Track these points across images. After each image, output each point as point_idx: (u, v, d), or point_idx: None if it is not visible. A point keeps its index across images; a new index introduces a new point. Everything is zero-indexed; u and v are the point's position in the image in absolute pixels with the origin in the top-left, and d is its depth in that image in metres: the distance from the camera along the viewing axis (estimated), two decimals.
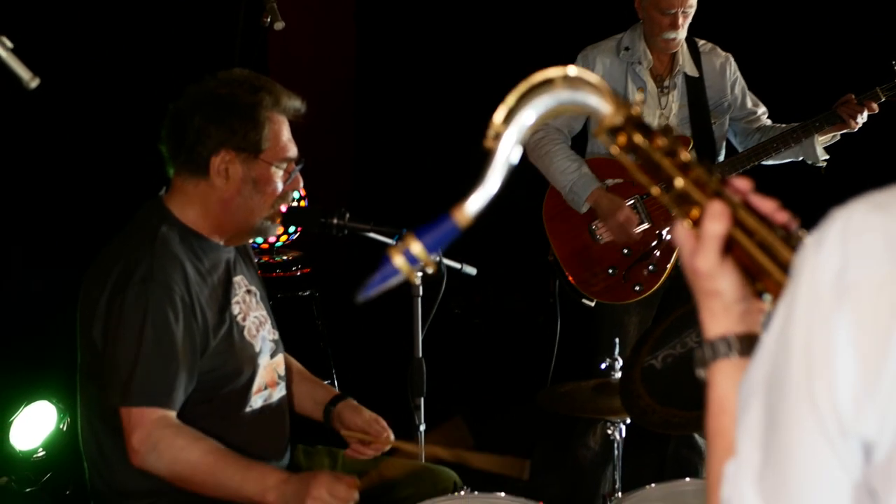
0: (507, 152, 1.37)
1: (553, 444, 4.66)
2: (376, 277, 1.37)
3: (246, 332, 2.98)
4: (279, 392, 3.11)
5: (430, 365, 3.42)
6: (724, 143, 4.59)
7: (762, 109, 4.62)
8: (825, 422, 1.09)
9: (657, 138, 1.39)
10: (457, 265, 3.47)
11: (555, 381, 4.44)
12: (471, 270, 3.56)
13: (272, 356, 3.09)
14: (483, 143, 1.37)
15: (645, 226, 4.41)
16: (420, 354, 3.38)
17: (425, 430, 3.41)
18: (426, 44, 7.49)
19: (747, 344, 1.37)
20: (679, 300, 4.48)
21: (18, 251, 5.26)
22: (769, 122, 4.60)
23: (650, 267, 4.40)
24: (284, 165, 2.96)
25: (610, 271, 4.45)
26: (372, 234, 3.21)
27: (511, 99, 1.38)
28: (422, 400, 3.40)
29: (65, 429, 4.73)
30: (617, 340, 3.52)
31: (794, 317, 1.12)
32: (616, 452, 3.45)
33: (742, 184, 1.39)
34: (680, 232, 1.40)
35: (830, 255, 1.10)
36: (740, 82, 4.61)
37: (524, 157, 4.52)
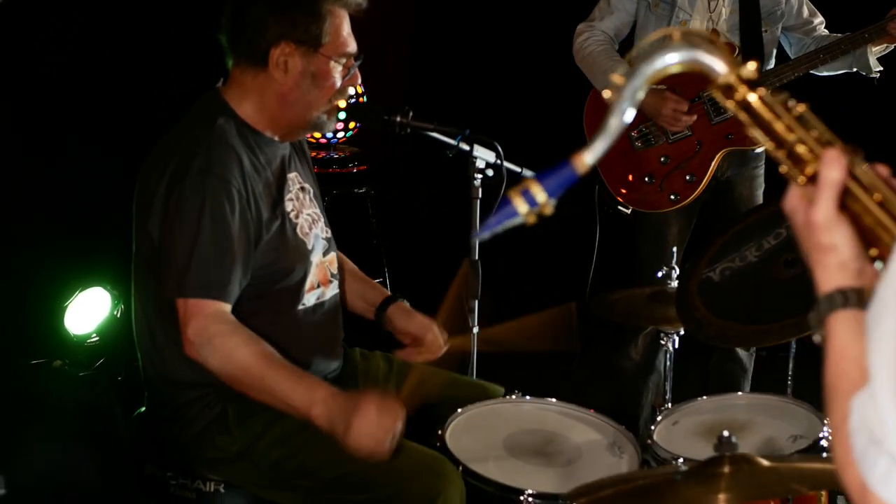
0: (625, 105, 1.41)
1: (599, 351, 4.66)
2: (495, 218, 1.42)
3: (298, 230, 2.97)
4: (332, 290, 3.11)
5: (484, 267, 3.41)
6: (775, 52, 4.47)
7: (819, 19, 4.49)
8: None
9: (772, 94, 1.41)
10: (517, 168, 3.44)
11: (596, 288, 4.43)
12: (529, 174, 3.53)
13: (325, 254, 3.08)
14: (602, 96, 1.48)
15: (686, 133, 4.34)
16: (476, 257, 3.37)
17: (478, 332, 3.42)
18: None
19: (862, 298, 1.36)
20: (726, 214, 4.44)
21: (75, 137, 5.28)
22: (826, 32, 4.47)
23: (687, 177, 4.34)
24: (344, 60, 2.92)
25: (646, 179, 4.40)
26: (434, 134, 3.18)
27: (632, 53, 1.48)
28: (476, 302, 3.40)
29: (118, 315, 4.78)
30: (675, 250, 3.49)
31: None
32: (668, 363, 3.45)
33: (881, 169, 1.40)
34: (793, 194, 1.41)
35: None
36: None
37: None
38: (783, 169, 1.43)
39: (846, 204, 1.36)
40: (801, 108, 1.41)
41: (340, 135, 5.81)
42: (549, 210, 1.40)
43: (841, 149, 1.36)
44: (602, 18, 4.44)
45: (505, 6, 7.15)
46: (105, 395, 4.46)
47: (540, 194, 1.39)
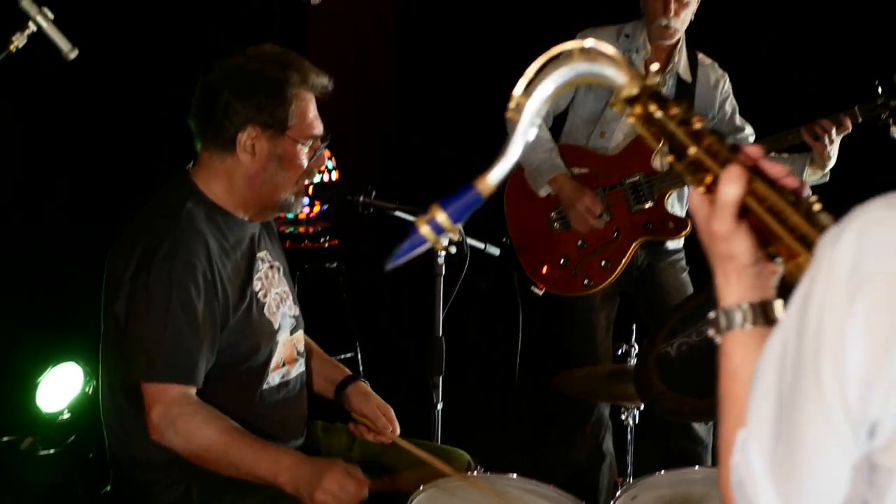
0: (527, 123, 1.43)
1: (564, 426, 4.70)
2: (404, 246, 1.45)
3: (266, 309, 3.02)
4: (298, 368, 3.15)
5: (453, 340, 3.46)
6: None
7: (749, 130, 4.57)
8: (832, 404, 1.16)
9: (672, 108, 1.44)
10: (480, 245, 3.51)
11: (526, 369, 4.48)
12: (494, 250, 3.60)
13: (292, 332, 3.13)
14: (506, 115, 1.43)
15: (605, 218, 4.39)
16: (440, 333, 3.42)
17: (442, 409, 3.46)
18: (467, 22, 7.50)
19: (760, 312, 1.42)
20: (655, 301, 4.48)
21: (47, 211, 5.32)
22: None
23: (603, 262, 4.39)
24: (310, 142, 2.99)
25: (561, 262, 4.44)
26: (398, 213, 3.24)
27: (530, 71, 1.43)
28: (440, 378, 3.45)
29: (90, 392, 4.79)
30: (634, 326, 3.55)
31: (811, 303, 1.18)
32: (629, 437, 3.49)
33: (753, 150, 1.44)
34: (695, 198, 1.45)
35: (847, 248, 1.17)
36: (731, 101, 4.57)
37: None
38: (686, 179, 1.47)
39: (744, 211, 1.41)
40: (699, 123, 1.44)
41: (315, 209, 5.88)
42: (455, 235, 1.44)
43: (740, 164, 1.40)
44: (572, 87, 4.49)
45: (488, 78, 7.25)
46: (70, 475, 4.46)
47: (445, 221, 1.42)
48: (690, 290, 4.51)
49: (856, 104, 4.22)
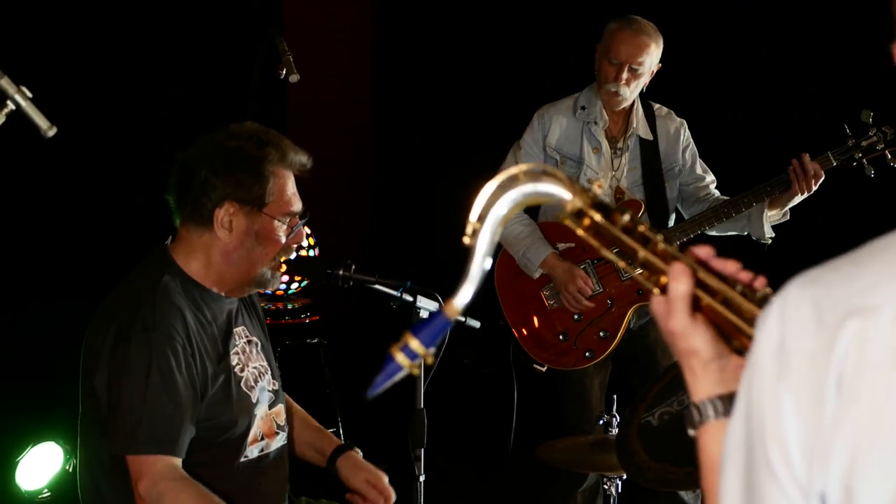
0: (485, 246, 1.48)
1: (553, 495, 4.68)
2: (382, 375, 1.49)
3: (243, 383, 3.02)
4: (278, 442, 3.15)
5: (436, 414, 3.45)
6: (677, 207, 4.62)
7: (710, 178, 4.62)
8: (784, 484, 1.17)
9: (617, 216, 1.49)
10: (461, 318, 3.51)
11: (519, 443, 4.48)
12: (474, 324, 3.60)
13: (271, 406, 3.13)
14: (462, 241, 1.48)
15: (598, 290, 4.43)
16: (421, 406, 3.41)
17: (425, 482, 3.44)
18: (442, 91, 7.58)
19: (730, 404, 1.43)
20: (643, 361, 4.51)
21: (26, 292, 5.32)
22: (716, 192, 4.59)
23: (601, 333, 4.42)
24: (287, 219, 3.01)
25: (561, 337, 4.47)
26: (377, 286, 3.25)
27: (482, 197, 1.49)
28: (422, 451, 3.43)
29: (71, 470, 4.76)
30: (615, 396, 3.56)
31: (752, 388, 1.20)
32: None
33: (702, 250, 1.47)
34: (654, 301, 1.48)
35: (772, 328, 1.20)
36: (692, 148, 4.63)
37: None
38: (645, 284, 1.50)
39: (700, 307, 1.44)
40: (644, 228, 1.48)
41: (294, 286, 5.90)
42: (430, 360, 1.48)
43: (685, 262, 1.43)
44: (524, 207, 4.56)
45: (463, 151, 7.33)
46: None
47: (418, 346, 1.47)
48: None
49: (827, 150, 4.27)
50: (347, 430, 5.49)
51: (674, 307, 1.43)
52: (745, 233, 4.45)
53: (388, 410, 6.19)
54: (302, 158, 3.03)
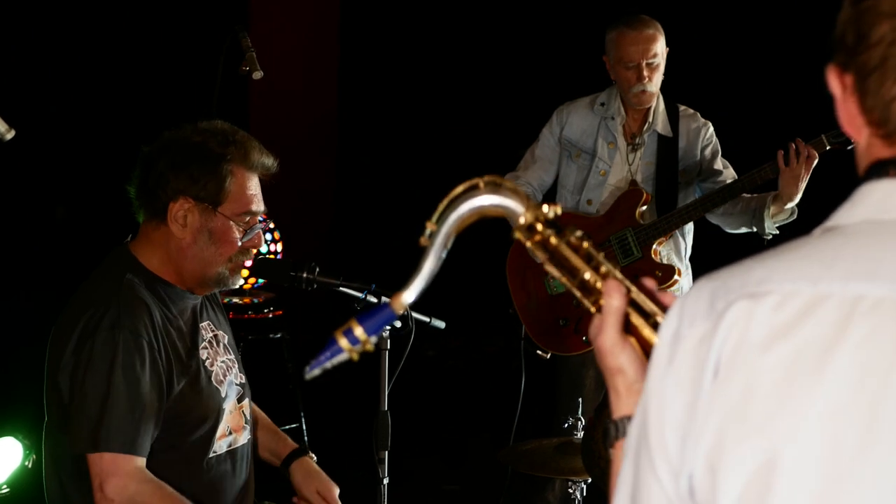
0: (439, 248, 1.53)
1: (518, 498, 4.69)
2: (322, 356, 1.53)
3: (213, 377, 3.01)
4: (245, 436, 3.13)
5: (402, 410, 3.43)
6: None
7: (730, 172, 4.67)
8: (658, 467, 1.23)
9: (568, 234, 1.52)
10: (426, 318, 3.49)
11: (521, 433, 4.49)
12: (439, 324, 3.59)
13: (239, 400, 3.11)
14: (419, 241, 1.54)
15: None
16: (385, 407, 3.40)
17: (388, 483, 3.43)
18: (409, 84, 7.57)
19: None
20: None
21: None
22: None
23: None
24: (246, 219, 2.98)
25: (561, 322, 4.52)
26: (341, 289, 3.23)
27: (442, 203, 1.54)
28: (386, 453, 3.41)
29: (30, 466, 4.71)
30: (580, 399, 3.56)
31: (647, 380, 1.27)
32: None
33: (648, 282, 1.51)
34: (594, 320, 1.50)
35: (670, 321, 1.26)
36: (714, 147, 4.69)
37: None
38: (582, 302, 1.53)
39: (630, 327, 1.46)
40: (589, 247, 1.51)
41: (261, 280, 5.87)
42: (370, 347, 1.52)
43: (619, 279, 1.46)
44: (527, 169, 4.69)
45: (429, 146, 7.32)
46: None
47: (361, 333, 1.50)
48: None
49: (821, 133, 4.31)
50: (310, 426, 5.47)
51: (605, 322, 1.45)
52: (754, 229, 4.52)
53: (350, 406, 6.21)
54: (267, 161, 3.00)
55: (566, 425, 3.50)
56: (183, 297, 3.02)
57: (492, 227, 1.63)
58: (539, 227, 1.52)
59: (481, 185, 1.54)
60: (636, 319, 1.45)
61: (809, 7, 5.99)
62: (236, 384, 3.11)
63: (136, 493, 2.75)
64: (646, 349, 1.45)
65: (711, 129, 4.71)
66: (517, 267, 4.67)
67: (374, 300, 3.31)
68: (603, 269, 1.49)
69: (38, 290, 5.11)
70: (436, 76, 7.45)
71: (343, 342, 1.51)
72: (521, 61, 7.06)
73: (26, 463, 4.68)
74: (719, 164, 4.68)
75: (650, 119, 4.59)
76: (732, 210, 4.49)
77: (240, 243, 2.98)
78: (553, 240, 1.52)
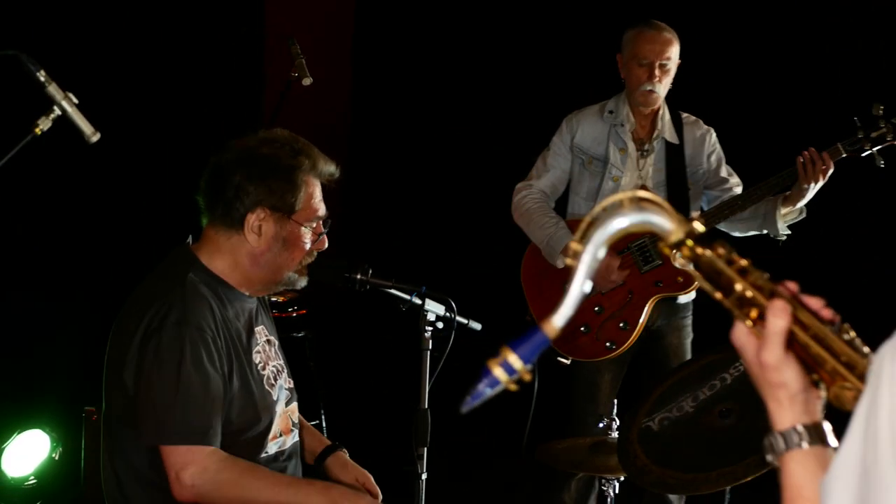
0: (585, 268, 1.54)
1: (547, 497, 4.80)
2: (479, 388, 1.52)
3: (265, 381, 3.11)
4: (293, 439, 3.24)
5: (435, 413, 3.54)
6: (700, 208, 4.76)
7: (735, 180, 4.77)
8: None
9: (717, 248, 1.56)
10: (463, 320, 3.61)
11: (535, 436, 4.60)
12: (476, 326, 3.70)
13: (287, 404, 3.22)
14: (566, 262, 1.58)
15: (618, 282, 4.56)
16: (426, 406, 3.51)
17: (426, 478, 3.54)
18: (422, 84, 7.65)
19: (815, 433, 1.53)
20: (657, 363, 4.66)
21: (14, 279, 5.35)
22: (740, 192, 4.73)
23: (621, 324, 4.55)
24: (314, 225, 3.10)
25: (582, 329, 4.60)
26: (392, 291, 3.34)
27: (586, 220, 1.56)
28: (425, 450, 3.53)
29: (57, 458, 4.81)
30: (612, 399, 3.67)
31: (880, 415, 1.29)
32: None
33: (791, 285, 1.55)
34: (740, 332, 1.56)
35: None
36: (717, 154, 4.79)
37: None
38: (734, 314, 1.56)
39: (791, 341, 1.52)
40: (744, 261, 1.55)
41: None
42: (528, 377, 1.52)
43: (785, 298, 1.51)
44: (539, 177, 4.75)
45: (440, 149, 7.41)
46: None
47: (517, 362, 1.51)
48: (689, 351, 4.72)
49: (837, 141, 4.41)
50: (331, 424, 5.56)
51: (770, 341, 1.51)
52: (764, 231, 4.60)
53: (372, 406, 6.33)
54: (331, 168, 3.13)
55: (601, 425, 3.62)
56: (242, 299, 3.13)
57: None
58: (689, 242, 1.56)
59: (626, 202, 1.56)
60: (798, 331, 1.51)
61: (820, 17, 6.18)
62: (286, 388, 3.23)
63: (216, 472, 2.87)
64: (801, 355, 1.51)
65: (714, 135, 4.81)
66: (533, 275, 4.75)
67: (419, 301, 3.43)
68: (761, 283, 1.54)
69: (58, 281, 5.18)
70: (448, 78, 7.54)
71: (498, 372, 1.51)
72: (532, 63, 7.16)
73: (53, 455, 4.79)
74: (724, 171, 4.78)
75: (659, 126, 4.69)
76: (742, 215, 4.58)
77: (308, 246, 3.10)
78: (707, 254, 1.56)
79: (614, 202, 1.55)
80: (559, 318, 1.55)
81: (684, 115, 4.80)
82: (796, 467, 1.52)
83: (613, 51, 4.75)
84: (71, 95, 2.60)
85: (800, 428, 1.53)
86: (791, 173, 4.42)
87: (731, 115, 5.89)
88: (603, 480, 3.60)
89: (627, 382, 4.74)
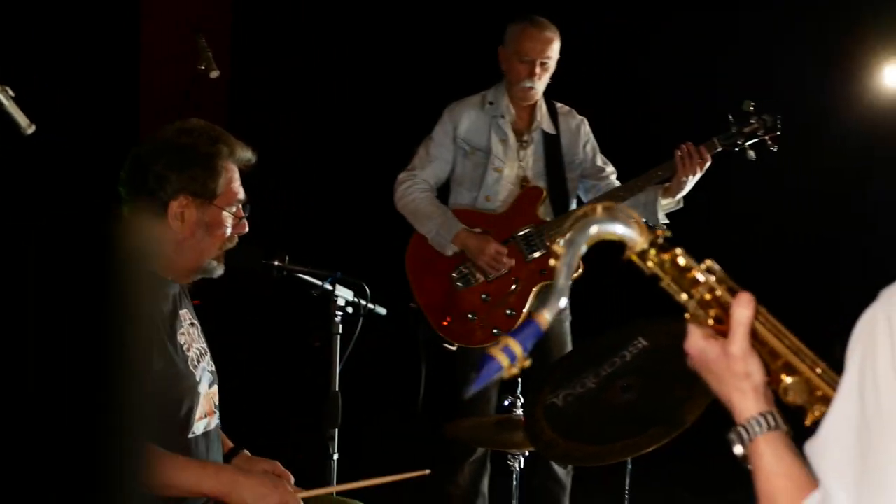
0: (567, 268, 1.70)
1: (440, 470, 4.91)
2: (482, 374, 1.65)
3: (189, 362, 3.18)
4: (215, 421, 3.32)
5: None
6: (576, 197, 4.93)
7: (610, 169, 4.95)
8: None
9: (679, 254, 1.73)
10: (371, 305, 3.73)
11: (426, 413, 4.72)
12: (382, 311, 3.83)
13: (210, 386, 3.30)
14: (549, 264, 1.74)
15: (504, 270, 4.71)
16: (337, 388, 3.62)
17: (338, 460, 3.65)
18: (298, 81, 7.69)
19: (778, 418, 1.68)
20: (538, 347, 4.81)
21: None
22: (617, 182, 4.91)
23: (508, 311, 4.69)
24: (234, 209, 3.19)
25: (470, 316, 4.73)
26: (307, 277, 3.44)
27: (566, 225, 1.73)
28: (336, 431, 3.64)
29: None
30: (519, 380, 3.82)
31: (878, 366, 1.43)
32: (514, 483, 3.76)
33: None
34: (696, 338, 1.73)
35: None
36: (592, 143, 4.96)
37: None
38: (688, 315, 1.72)
39: (753, 336, 1.68)
40: (707, 262, 1.72)
41: None
42: (526, 363, 1.66)
43: (748, 293, 1.67)
44: (423, 167, 4.84)
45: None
46: None
47: (517, 349, 1.65)
48: (569, 338, 4.86)
49: (713, 136, 4.64)
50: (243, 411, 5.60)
51: (737, 332, 1.66)
52: (644, 221, 4.71)
53: (282, 391, 6.31)
54: (247, 154, 3.22)
55: (506, 403, 3.76)
56: (165, 284, 3.20)
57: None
58: (653, 251, 1.72)
59: (599, 211, 1.72)
60: (760, 328, 1.67)
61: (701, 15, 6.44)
62: (209, 370, 3.30)
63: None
64: (761, 354, 1.67)
65: (587, 125, 4.98)
66: (418, 263, 4.82)
67: (329, 287, 3.53)
68: (726, 281, 1.70)
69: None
70: (326, 68, 7.59)
71: (501, 357, 1.64)
72: (413, 51, 7.24)
73: None
74: (600, 160, 4.95)
75: (538, 118, 4.83)
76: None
77: (230, 231, 3.19)
78: (667, 261, 1.72)
79: (588, 209, 1.72)
80: (549, 312, 1.69)
81: (558, 105, 4.94)
82: (766, 449, 1.65)
83: (496, 40, 4.85)
84: (8, 89, 2.64)
85: (767, 415, 1.66)
86: (670, 166, 4.61)
87: (615, 108, 6.13)
88: (509, 456, 3.74)
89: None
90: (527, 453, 3.71)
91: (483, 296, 4.70)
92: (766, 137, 4.65)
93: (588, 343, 3.59)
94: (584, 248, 1.72)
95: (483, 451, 4.77)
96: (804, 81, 6.19)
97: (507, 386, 3.80)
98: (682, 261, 1.72)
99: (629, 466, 3.95)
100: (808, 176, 6.33)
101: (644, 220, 4.58)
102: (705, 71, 6.50)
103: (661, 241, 1.74)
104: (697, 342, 1.72)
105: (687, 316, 1.74)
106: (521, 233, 4.71)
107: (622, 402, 3.36)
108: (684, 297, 1.72)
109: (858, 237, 6.30)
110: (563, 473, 4.81)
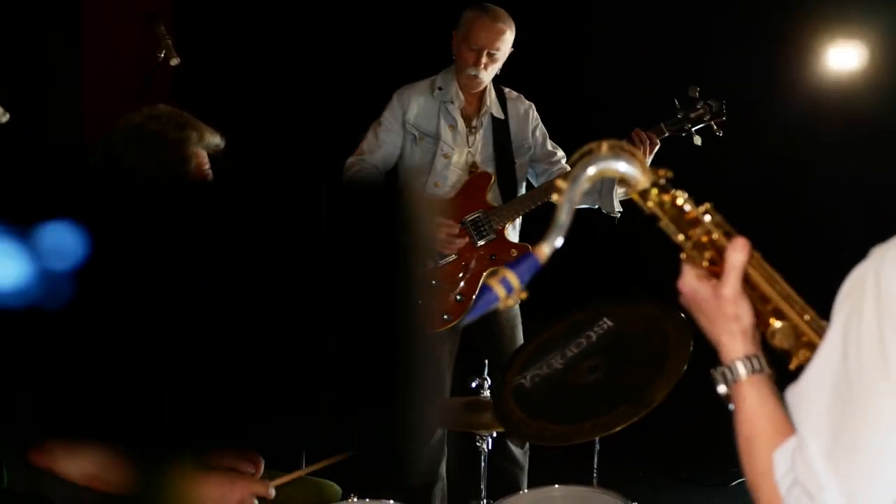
0: (569, 204, 1.73)
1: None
2: (480, 304, 1.67)
3: None
4: None
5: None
6: (525, 182, 4.95)
7: (561, 153, 4.95)
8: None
9: (679, 195, 1.75)
10: None
11: None
12: None
13: None
14: (551, 199, 1.74)
15: (453, 256, 4.73)
16: None
17: None
18: (246, 67, 7.65)
19: (764, 361, 1.72)
20: (490, 330, 4.82)
21: None
22: (567, 167, 4.87)
23: (457, 297, 4.71)
24: None
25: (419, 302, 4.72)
26: None
27: (575, 157, 1.75)
28: None
29: None
30: (486, 361, 3.86)
31: (864, 322, 1.48)
32: (482, 464, 3.79)
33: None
34: (690, 277, 1.76)
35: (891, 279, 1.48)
36: (541, 128, 4.97)
37: None
38: (684, 255, 1.77)
39: (746, 280, 1.72)
40: (706, 205, 1.75)
41: None
42: (524, 295, 1.67)
43: (744, 237, 1.71)
44: (372, 152, 4.81)
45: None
46: None
47: (515, 281, 1.66)
48: (520, 320, 4.87)
49: (660, 122, 4.69)
50: None
51: (730, 275, 1.70)
52: (597, 206, 4.80)
53: None
54: (216, 139, 3.22)
55: (473, 385, 3.78)
56: None
57: None
58: (654, 191, 1.75)
59: (604, 148, 1.74)
60: (752, 272, 1.71)
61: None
62: None
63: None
64: (752, 299, 1.71)
65: (535, 110, 4.98)
66: None
67: None
68: (723, 224, 1.74)
69: None
70: (272, 53, 7.55)
71: (498, 289, 1.65)
72: (362, 35, 7.23)
73: None
74: (550, 145, 4.96)
75: (486, 103, 4.83)
76: None
77: None
78: (667, 202, 1.75)
79: (593, 146, 1.73)
80: (548, 247, 1.70)
81: (507, 90, 4.94)
82: (750, 391, 1.70)
83: (450, 23, 4.85)
84: None
85: (752, 357, 1.71)
86: None
87: (559, 95, 6.16)
88: (477, 437, 3.77)
89: (465, 350, 4.88)
90: (494, 434, 3.74)
91: (433, 282, 4.71)
92: (713, 122, 4.72)
93: (553, 323, 3.62)
94: (586, 186, 1.74)
95: (441, 435, 4.79)
96: (748, 65, 6.26)
97: (473, 367, 3.83)
98: (681, 202, 1.75)
99: (597, 447, 4.00)
100: (754, 160, 6.40)
101: (598, 206, 4.72)
102: (649, 55, 6.56)
103: (662, 181, 1.76)
104: (691, 282, 1.76)
105: (682, 256, 1.77)
106: (470, 218, 4.71)
107: (589, 382, 3.40)
108: (681, 237, 1.76)
109: (804, 221, 6.38)
110: (521, 454, 4.85)
